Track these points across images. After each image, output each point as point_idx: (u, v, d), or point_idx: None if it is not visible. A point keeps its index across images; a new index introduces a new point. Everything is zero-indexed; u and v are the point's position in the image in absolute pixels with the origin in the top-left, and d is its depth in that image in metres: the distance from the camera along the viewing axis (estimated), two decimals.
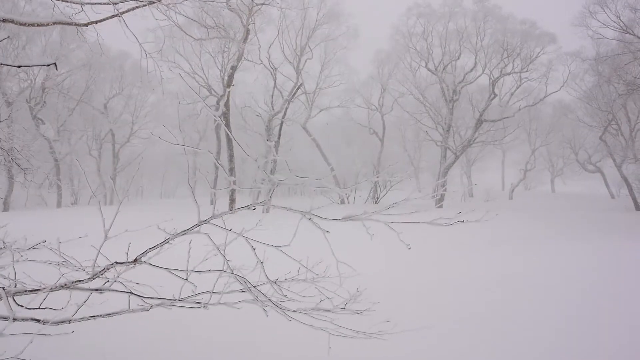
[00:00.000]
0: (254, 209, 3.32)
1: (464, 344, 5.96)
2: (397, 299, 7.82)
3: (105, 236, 3.02)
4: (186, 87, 34.70)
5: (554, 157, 54.48)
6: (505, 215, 25.29)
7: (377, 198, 38.18)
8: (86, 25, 4.30)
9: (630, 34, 25.66)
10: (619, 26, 26.34)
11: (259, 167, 3.16)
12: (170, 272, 3.13)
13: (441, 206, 33.31)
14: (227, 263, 3.13)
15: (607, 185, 48.51)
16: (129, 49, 40.67)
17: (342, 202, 37.54)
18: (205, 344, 5.79)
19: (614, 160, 35.67)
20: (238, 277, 3.10)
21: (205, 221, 2.85)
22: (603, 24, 27.35)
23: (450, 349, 5.81)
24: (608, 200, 44.21)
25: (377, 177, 34.03)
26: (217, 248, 3.02)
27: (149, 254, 3.06)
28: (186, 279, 3.20)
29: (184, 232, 2.91)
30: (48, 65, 3.31)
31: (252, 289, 3.05)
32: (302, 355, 5.14)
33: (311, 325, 3.47)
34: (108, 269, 3.10)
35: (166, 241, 2.92)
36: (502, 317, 7.06)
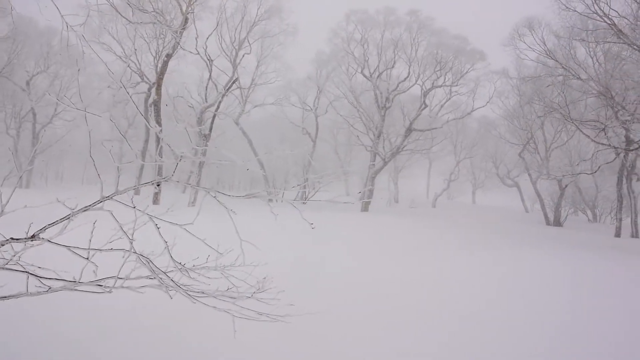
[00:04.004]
0: (158, 184, 3.28)
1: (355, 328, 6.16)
2: (303, 287, 7.98)
3: (2, 210, 2.88)
4: (118, 70, 33.43)
5: (476, 170, 56.91)
6: (428, 222, 26.17)
7: (306, 198, 38.40)
8: None
9: (552, 58, 27.28)
10: (543, 50, 27.94)
11: (180, 156, 3.10)
12: (71, 250, 3.03)
13: (367, 209, 33.95)
14: (132, 243, 3.07)
15: (522, 200, 51.41)
16: (59, 25, 38.55)
17: (270, 200, 37.43)
18: (109, 328, 5.63)
19: (530, 176, 37.80)
20: (141, 257, 3.05)
21: (108, 197, 2.78)
22: (529, 46, 28.91)
23: (345, 331, 5.99)
24: (522, 214, 46.77)
25: (306, 180, 34.28)
26: (121, 227, 2.96)
27: (48, 231, 2.95)
28: (87, 259, 3.10)
29: (85, 208, 2.83)
30: None
31: (156, 269, 3.00)
32: (208, 338, 5.12)
33: (215, 307, 3.47)
34: (3, 245, 2.96)
35: (67, 217, 2.83)
36: (391, 302, 7.32)
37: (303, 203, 37.79)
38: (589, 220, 43.10)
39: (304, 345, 5.49)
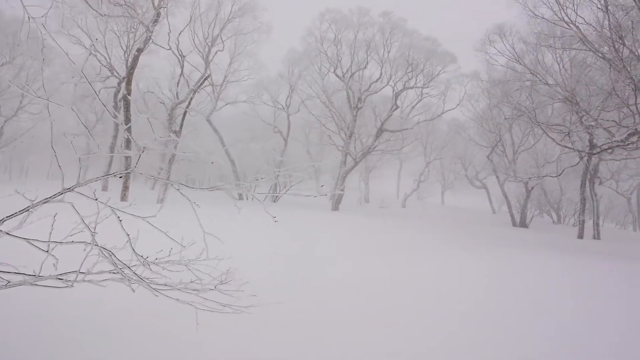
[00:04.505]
0: (120, 177, 3.24)
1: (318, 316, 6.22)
2: (268, 279, 8.02)
3: None
4: (86, 64, 32.75)
5: (445, 171, 57.73)
6: (399, 222, 26.44)
7: (277, 197, 38.33)
8: None
9: (520, 64, 27.89)
10: (512, 56, 28.53)
11: (142, 149, 3.08)
12: (30, 243, 2.98)
13: (337, 208, 34.09)
14: (94, 236, 3.04)
15: (490, 201, 52.42)
16: (25, 16, 37.53)
17: (240, 197, 37.28)
18: (70, 322, 5.54)
19: (498, 178, 38.54)
20: (103, 250, 3.02)
21: (68, 189, 2.75)
22: (499, 52, 29.49)
23: (312, 321, 6.04)
24: (490, 215, 47.66)
25: (278, 176, 34.17)
26: (82, 219, 2.93)
27: (7, 223, 2.90)
28: (47, 252, 3.05)
29: (45, 200, 2.79)
30: None
31: (118, 262, 2.98)
32: (170, 330, 5.08)
33: (177, 300, 3.46)
34: None
35: (26, 209, 2.79)
36: (352, 292, 7.40)
37: (274, 201, 37.79)
38: (553, 221, 44.19)
39: (269, 335, 5.51)
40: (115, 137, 35.20)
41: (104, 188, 34.00)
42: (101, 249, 3.02)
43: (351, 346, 5.64)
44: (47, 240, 3.06)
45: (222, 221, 12.05)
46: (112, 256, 3.01)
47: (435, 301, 8.41)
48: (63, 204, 2.97)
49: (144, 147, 2.70)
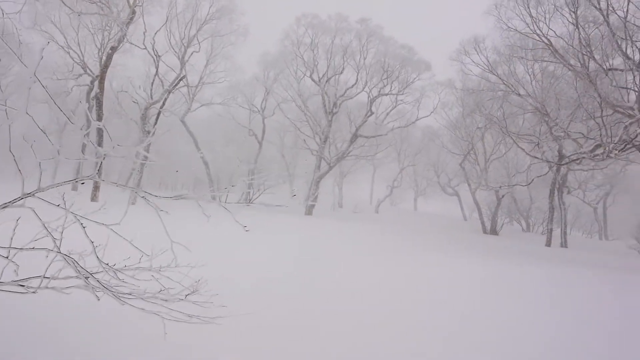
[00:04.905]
0: (82, 183, 3.18)
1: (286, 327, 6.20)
2: (239, 290, 7.94)
3: None
4: (59, 61, 32.15)
5: (419, 178, 58.21)
6: (372, 228, 26.55)
7: (250, 200, 38.12)
8: None
9: (494, 74, 28.39)
10: (485, 66, 29.04)
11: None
12: None
13: (311, 213, 34.08)
14: (56, 242, 2.97)
15: (461, 208, 53.11)
16: None
17: (214, 199, 36.91)
18: (32, 330, 5.40)
19: (470, 185, 39.04)
20: (66, 257, 2.96)
21: (29, 194, 2.69)
22: (473, 62, 29.97)
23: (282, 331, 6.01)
24: (462, 222, 48.29)
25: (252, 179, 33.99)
26: (44, 225, 2.87)
27: None
28: (7, 257, 2.98)
29: (4, 205, 2.72)
30: None
31: (81, 270, 2.92)
32: (137, 342, 4.99)
33: (143, 309, 3.41)
34: None
35: None
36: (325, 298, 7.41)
37: (247, 204, 37.54)
38: (523, 229, 44.97)
39: (240, 344, 5.46)
40: (86, 135, 34.46)
41: (74, 188, 33.31)
42: (64, 255, 2.95)
43: (325, 353, 5.63)
44: (7, 247, 2.98)
45: (195, 227, 11.92)
46: (75, 263, 2.95)
47: (409, 303, 8.47)
48: (25, 209, 2.90)
49: (105, 154, 2.66)
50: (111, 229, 3.02)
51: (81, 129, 2.65)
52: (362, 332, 6.64)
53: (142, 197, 2.82)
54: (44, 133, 2.77)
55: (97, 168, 2.76)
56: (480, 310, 8.72)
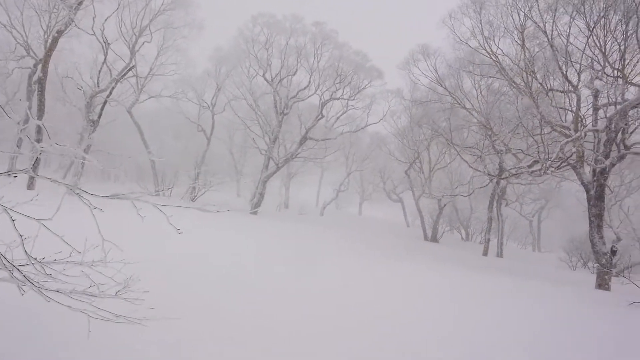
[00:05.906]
0: (15, 176, 3.09)
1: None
2: (172, 289, 7.80)
3: None
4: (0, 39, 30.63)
5: (365, 183, 58.98)
6: (316, 230, 26.69)
7: (195, 196, 37.52)
8: None
9: (441, 86, 29.09)
10: (434, 77, 29.70)
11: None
12: None
13: (256, 212, 33.89)
14: None
15: (405, 215, 54.19)
16: None
17: (158, 194, 36.13)
18: None
19: (413, 193, 39.89)
20: None
21: None
22: (422, 72, 30.61)
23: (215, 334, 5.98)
24: (404, 228, 49.27)
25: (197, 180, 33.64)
26: None
27: None
28: None
29: None
30: None
31: (6, 262, 2.83)
32: (61, 339, 4.84)
33: (69, 307, 3.32)
34: None
35: None
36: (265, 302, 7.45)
37: (192, 200, 36.93)
38: (462, 238, 46.36)
39: (170, 349, 5.38)
40: (26, 121, 32.94)
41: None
42: None
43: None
44: None
45: (134, 223, 11.62)
46: (0, 255, 2.85)
47: (335, 306, 8.59)
48: None
49: (42, 150, 2.59)
50: (42, 224, 2.94)
51: (18, 124, 2.56)
52: (280, 332, 6.68)
53: (77, 194, 2.76)
54: None
55: (33, 162, 2.68)
56: (402, 311, 9.01)
